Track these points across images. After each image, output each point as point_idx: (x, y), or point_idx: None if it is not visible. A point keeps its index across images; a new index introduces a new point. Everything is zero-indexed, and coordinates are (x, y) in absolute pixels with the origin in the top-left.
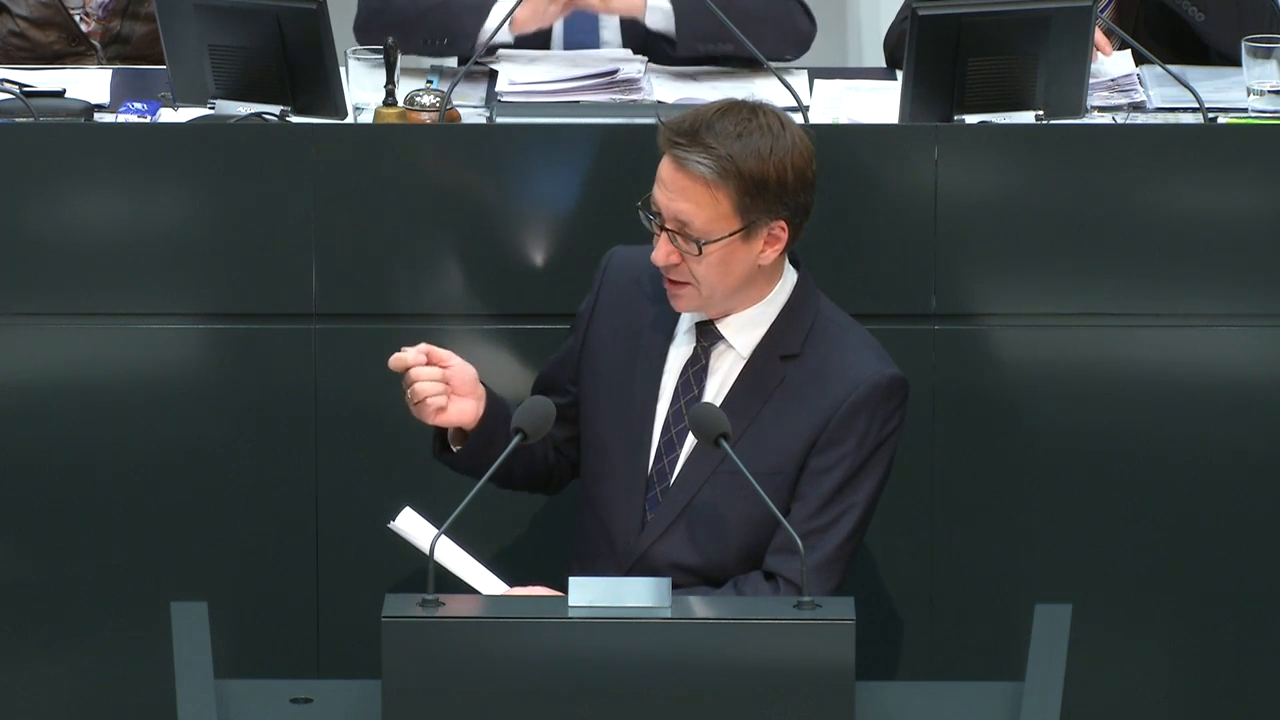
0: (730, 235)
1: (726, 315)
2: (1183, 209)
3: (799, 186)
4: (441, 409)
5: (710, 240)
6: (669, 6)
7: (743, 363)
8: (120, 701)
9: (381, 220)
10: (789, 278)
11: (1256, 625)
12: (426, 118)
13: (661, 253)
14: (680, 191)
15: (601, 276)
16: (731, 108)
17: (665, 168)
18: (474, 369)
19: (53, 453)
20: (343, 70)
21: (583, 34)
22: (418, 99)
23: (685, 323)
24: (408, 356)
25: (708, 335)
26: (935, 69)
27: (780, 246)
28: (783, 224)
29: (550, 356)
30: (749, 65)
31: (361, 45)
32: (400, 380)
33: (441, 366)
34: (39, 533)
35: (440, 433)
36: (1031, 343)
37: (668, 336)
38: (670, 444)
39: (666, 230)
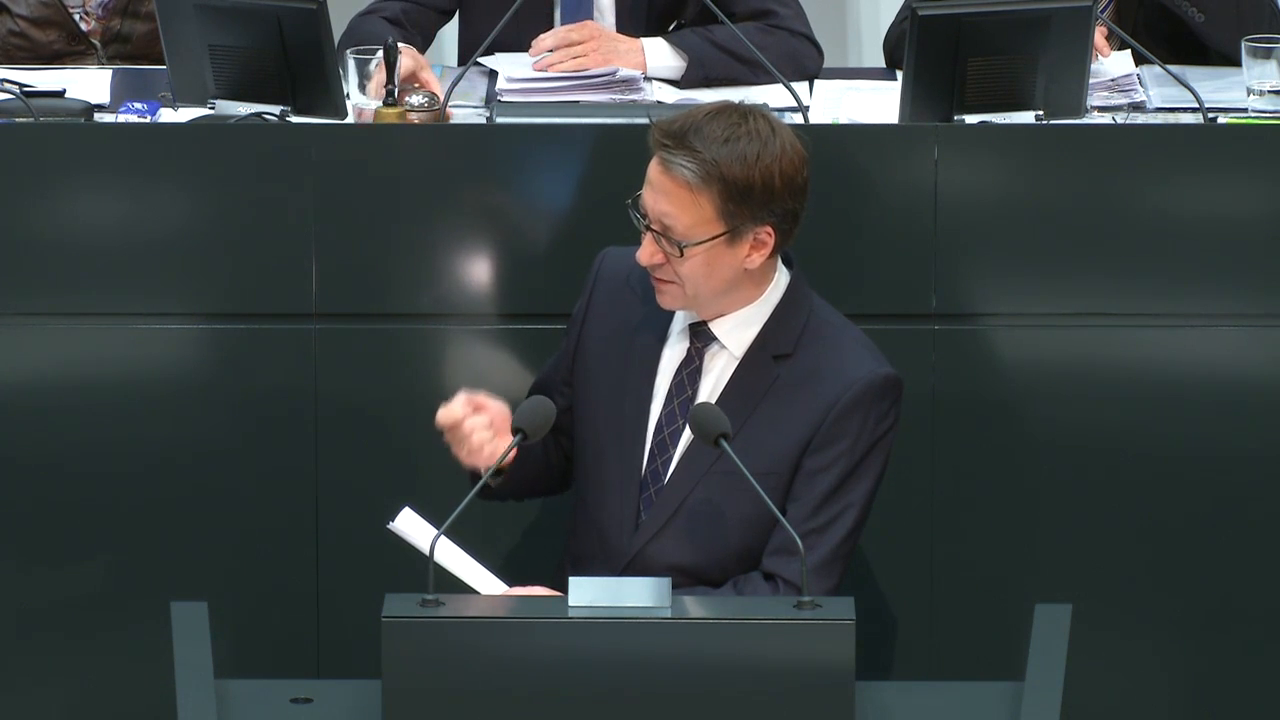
0: (713, 239)
1: (718, 316)
2: (1183, 209)
3: (787, 193)
4: (493, 453)
5: (692, 243)
6: (679, 61)
7: (736, 363)
8: (120, 701)
9: (381, 220)
10: (781, 278)
11: (1256, 625)
12: (415, 118)
13: (646, 252)
14: (664, 193)
15: (594, 278)
16: (723, 111)
17: (652, 168)
18: (506, 406)
19: (53, 453)
20: (345, 70)
21: (581, 13)
22: (407, 98)
23: (679, 323)
24: (456, 411)
25: (701, 336)
26: (935, 69)
27: (766, 251)
28: (769, 229)
29: (548, 359)
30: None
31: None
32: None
33: (484, 411)
34: (39, 533)
35: (474, 474)
36: (1031, 343)
37: (661, 337)
38: (664, 444)
39: (652, 230)
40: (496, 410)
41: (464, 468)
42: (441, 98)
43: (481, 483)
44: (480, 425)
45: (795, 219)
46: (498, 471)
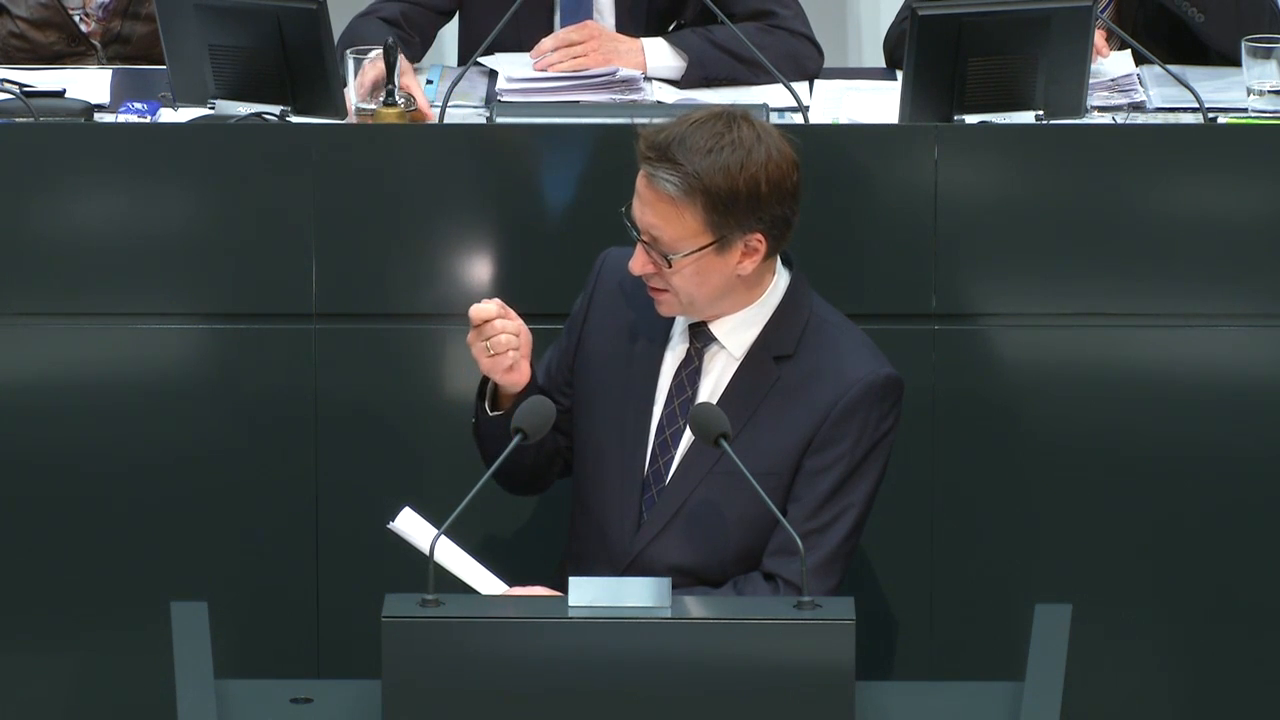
0: (700, 250)
1: (718, 317)
2: (1183, 209)
3: (774, 199)
4: (513, 366)
5: (679, 255)
6: (679, 61)
7: (736, 364)
8: (120, 701)
9: (381, 220)
10: (781, 279)
11: (1256, 625)
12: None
13: (637, 263)
14: (650, 206)
15: (595, 278)
16: (708, 120)
17: (639, 180)
18: (529, 332)
19: (53, 453)
20: (345, 70)
21: (581, 13)
22: (385, 98)
23: (679, 324)
24: (490, 309)
25: (701, 336)
26: (935, 69)
27: (758, 258)
28: (759, 236)
29: (540, 359)
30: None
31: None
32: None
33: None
34: (39, 532)
35: (479, 399)
36: (1031, 343)
37: (662, 337)
38: (665, 445)
39: (642, 241)
40: (524, 327)
41: (480, 371)
42: (419, 99)
43: (482, 481)
44: (509, 329)
45: (787, 224)
46: (495, 402)
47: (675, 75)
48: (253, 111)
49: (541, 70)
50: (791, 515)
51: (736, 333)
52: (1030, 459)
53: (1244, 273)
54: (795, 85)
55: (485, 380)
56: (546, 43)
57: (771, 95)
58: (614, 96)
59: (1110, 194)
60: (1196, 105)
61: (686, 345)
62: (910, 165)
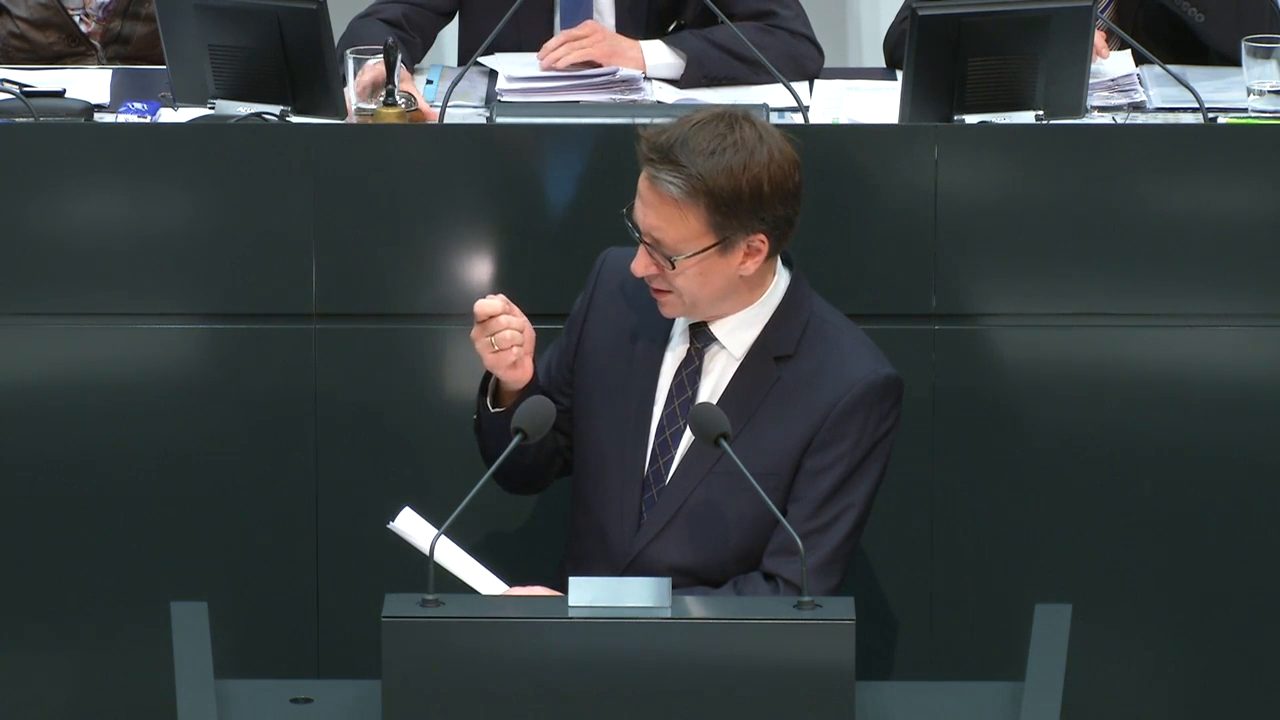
0: (703, 251)
1: (719, 318)
2: (1183, 209)
3: (777, 199)
4: (516, 362)
5: (683, 256)
6: (677, 60)
7: (736, 364)
8: (120, 701)
9: (381, 220)
10: (781, 279)
11: (1256, 625)
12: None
13: (640, 264)
14: (653, 208)
15: (595, 278)
16: (710, 121)
17: (641, 182)
18: (533, 330)
19: (53, 453)
20: (346, 71)
21: (581, 13)
22: (385, 98)
23: (679, 324)
24: (496, 305)
25: (701, 336)
26: (935, 69)
27: (760, 258)
28: (762, 236)
29: (540, 359)
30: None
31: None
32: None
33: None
34: (39, 532)
35: (481, 395)
36: (1031, 343)
37: (662, 337)
38: (665, 445)
39: (644, 243)
40: (528, 324)
41: (484, 367)
42: (419, 100)
43: (482, 481)
44: (514, 325)
45: (789, 224)
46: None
47: (674, 74)
48: (253, 111)
49: (548, 67)
50: (791, 515)
51: (737, 333)
52: (1030, 459)
53: (1244, 273)
54: (795, 85)
55: (487, 376)
56: (550, 44)
57: (772, 95)
58: (614, 96)
59: (1110, 194)
60: (1196, 105)
61: (687, 345)
62: (910, 165)
